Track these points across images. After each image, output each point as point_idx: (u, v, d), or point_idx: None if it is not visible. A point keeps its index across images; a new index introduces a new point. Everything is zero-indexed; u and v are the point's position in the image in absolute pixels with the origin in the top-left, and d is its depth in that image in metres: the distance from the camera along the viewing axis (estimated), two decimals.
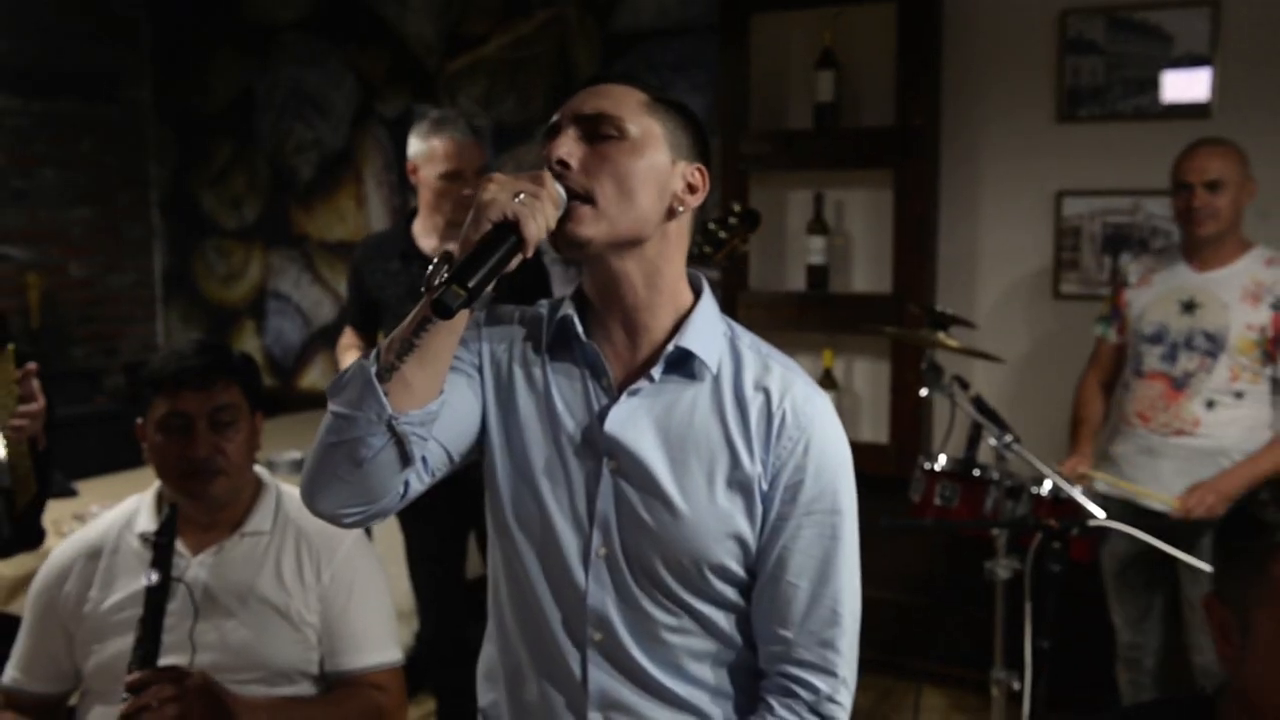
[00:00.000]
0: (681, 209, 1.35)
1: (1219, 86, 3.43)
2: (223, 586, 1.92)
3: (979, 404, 2.68)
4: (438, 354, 1.25)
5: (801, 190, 3.92)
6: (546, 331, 1.40)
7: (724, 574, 1.34)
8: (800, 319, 3.86)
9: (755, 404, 1.34)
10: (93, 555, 1.99)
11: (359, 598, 1.98)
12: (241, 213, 5.09)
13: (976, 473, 2.70)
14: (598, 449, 1.34)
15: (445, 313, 1.17)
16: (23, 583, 2.81)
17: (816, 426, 1.34)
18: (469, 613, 3.25)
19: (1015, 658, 2.57)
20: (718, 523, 1.32)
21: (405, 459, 1.26)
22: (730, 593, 1.36)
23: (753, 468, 1.33)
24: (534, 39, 4.40)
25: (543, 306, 1.45)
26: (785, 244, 3.98)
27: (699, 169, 1.37)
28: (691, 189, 1.36)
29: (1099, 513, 2.35)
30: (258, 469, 2.07)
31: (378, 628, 2.00)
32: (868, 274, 3.89)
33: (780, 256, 3.99)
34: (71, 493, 3.40)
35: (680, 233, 1.37)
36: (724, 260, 2.76)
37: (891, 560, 3.46)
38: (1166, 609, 3.07)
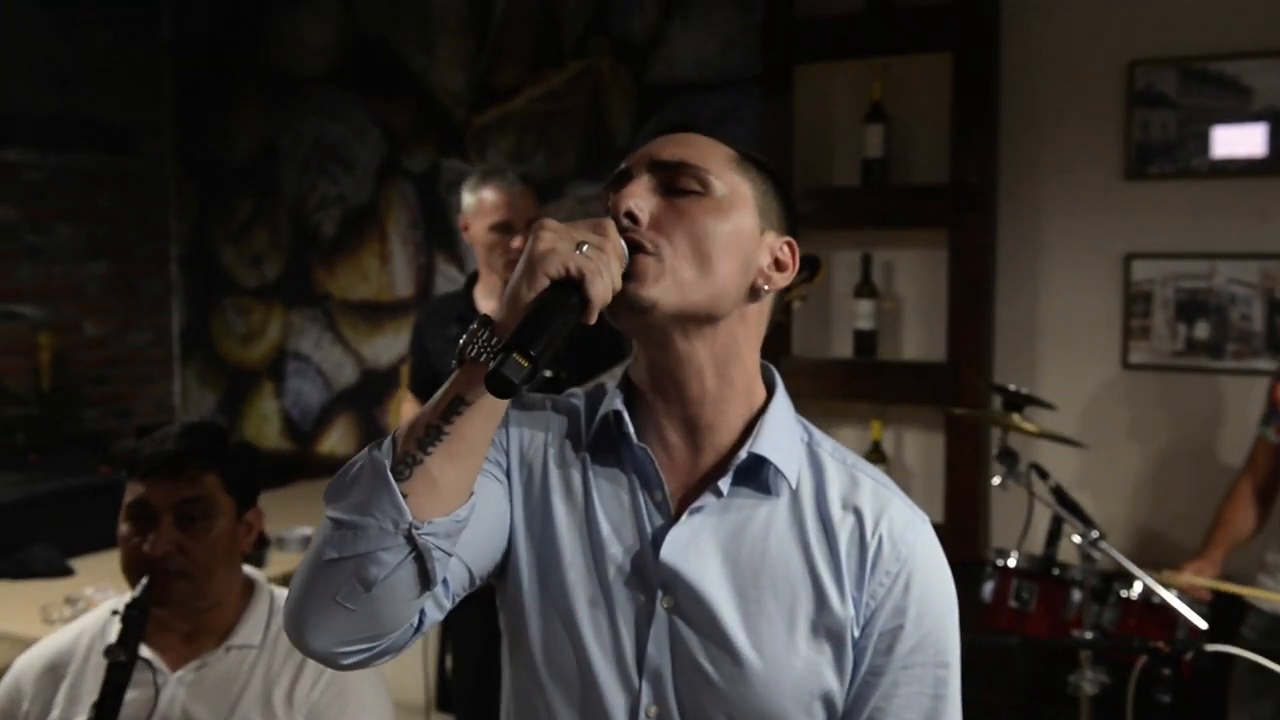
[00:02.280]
0: (767, 288, 1.12)
1: None
2: (203, 709, 1.68)
3: (1059, 495, 2.41)
4: (472, 445, 1.00)
5: (849, 251, 3.69)
6: (587, 429, 1.15)
7: None
8: (847, 388, 3.62)
9: (845, 528, 1.10)
10: (57, 669, 1.76)
11: (354, 714, 1.71)
12: (262, 270, 4.91)
13: (1056, 572, 2.43)
14: (650, 581, 1.09)
15: (506, 390, 0.93)
16: None
17: (919, 558, 1.10)
18: None
19: None
20: (799, 678, 1.07)
21: (425, 580, 1.00)
22: None
23: (843, 609, 1.08)
24: (565, 91, 4.21)
25: (577, 396, 1.20)
26: (831, 308, 3.74)
27: (789, 243, 1.15)
28: (779, 266, 1.14)
29: (1201, 623, 2.07)
30: (249, 571, 1.84)
31: None
32: (920, 341, 3.64)
33: (826, 321, 3.75)
34: (67, 572, 3.18)
35: (760, 318, 1.15)
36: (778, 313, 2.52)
37: (963, 655, 3.17)
38: None
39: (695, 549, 1.09)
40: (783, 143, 3.67)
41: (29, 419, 4.36)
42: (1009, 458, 2.47)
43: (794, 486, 1.12)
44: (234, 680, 1.72)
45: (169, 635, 1.74)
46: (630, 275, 1.05)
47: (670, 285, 1.06)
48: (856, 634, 1.08)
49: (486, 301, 2.91)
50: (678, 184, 1.09)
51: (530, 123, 4.29)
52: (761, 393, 1.16)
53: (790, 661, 1.07)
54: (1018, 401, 2.54)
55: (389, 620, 1.01)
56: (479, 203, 2.85)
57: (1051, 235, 3.49)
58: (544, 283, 0.98)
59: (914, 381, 3.52)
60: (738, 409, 1.13)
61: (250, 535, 1.82)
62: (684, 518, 1.10)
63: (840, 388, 3.62)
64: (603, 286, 0.99)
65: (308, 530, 3.45)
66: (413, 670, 3.05)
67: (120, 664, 1.60)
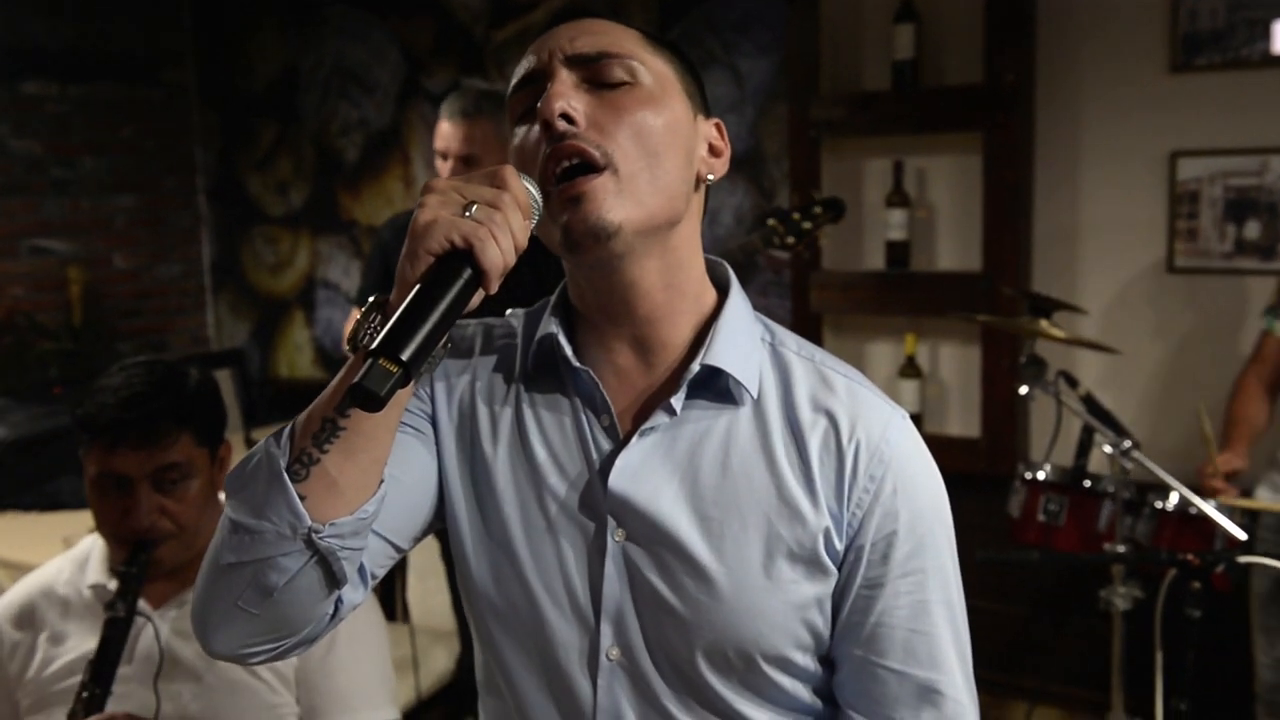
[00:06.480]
0: (712, 177, 1.03)
1: None
2: (186, 645, 1.64)
3: (1090, 404, 2.29)
4: (372, 437, 0.91)
5: (880, 158, 3.55)
6: (523, 356, 1.06)
7: (785, 666, 1.01)
8: (880, 301, 3.50)
9: (816, 433, 1.00)
10: (38, 608, 1.71)
11: (344, 645, 1.66)
12: (288, 198, 4.86)
13: (1087, 484, 2.32)
14: (600, 512, 1.00)
15: (372, 404, 0.81)
16: None
17: (902, 458, 1.00)
18: None
19: (1138, 701, 2.20)
20: (775, 600, 0.98)
21: (333, 581, 0.93)
22: (793, 690, 1.02)
23: (818, 520, 0.98)
24: (585, 1, 4.07)
25: (516, 317, 1.10)
26: (862, 218, 3.61)
27: (718, 125, 1.05)
28: (714, 152, 1.03)
29: (1239, 534, 1.96)
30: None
31: (368, 681, 1.69)
32: (954, 250, 3.51)
33: (857, 232, 3.63)
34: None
35: (699, 213, 1.05)
36: (804, 251, 2.53)
37: (995, 568, 3.09)
38: None
39: (648, 473, 0.99)
40: (809, 47, 3.52)
41: (62, 353, 4.38)
42: (1036, 365, 2.35)
43: (755, 396, 1.01)
44: None
45: (152, 573, 1.68)
46: (581, 198, 0.93)
47: (628, 198, 0.94)
48: (840, 546, 0.99)
49: None
50: (604, 77, 0.97)
51: None
52: (712, 295, 1.06)
53: (763, 582, 0.98)
54: (1046, 307, 2.42)
55: (296, 621, 0.94)
56: (437, 125, 2.72)
57: (1092, 135, 3.32)
58: (427, 261, 0.86)
59: (949, 293, 3.39)
60: (689, 318, 1.03)
61: (224, 470, 1.73)
62: (634, 440, 1.00)
63: (873, 301, 3.51)
64: (497, 253, 0.86)
65: None
66: (440, 594, 3.03)
67: (119, 619, 1.56)
